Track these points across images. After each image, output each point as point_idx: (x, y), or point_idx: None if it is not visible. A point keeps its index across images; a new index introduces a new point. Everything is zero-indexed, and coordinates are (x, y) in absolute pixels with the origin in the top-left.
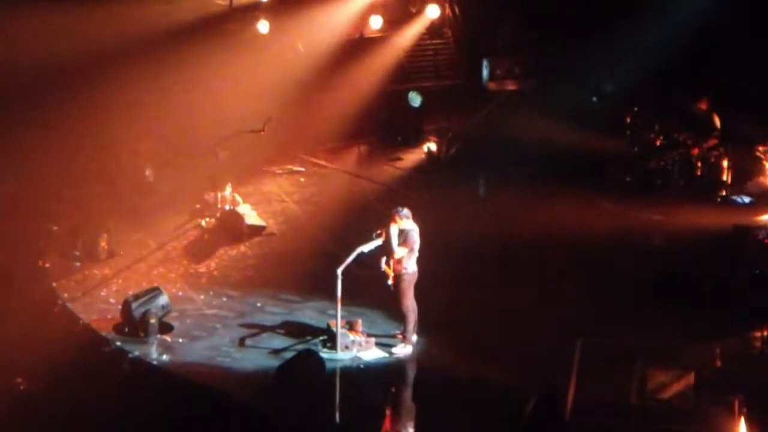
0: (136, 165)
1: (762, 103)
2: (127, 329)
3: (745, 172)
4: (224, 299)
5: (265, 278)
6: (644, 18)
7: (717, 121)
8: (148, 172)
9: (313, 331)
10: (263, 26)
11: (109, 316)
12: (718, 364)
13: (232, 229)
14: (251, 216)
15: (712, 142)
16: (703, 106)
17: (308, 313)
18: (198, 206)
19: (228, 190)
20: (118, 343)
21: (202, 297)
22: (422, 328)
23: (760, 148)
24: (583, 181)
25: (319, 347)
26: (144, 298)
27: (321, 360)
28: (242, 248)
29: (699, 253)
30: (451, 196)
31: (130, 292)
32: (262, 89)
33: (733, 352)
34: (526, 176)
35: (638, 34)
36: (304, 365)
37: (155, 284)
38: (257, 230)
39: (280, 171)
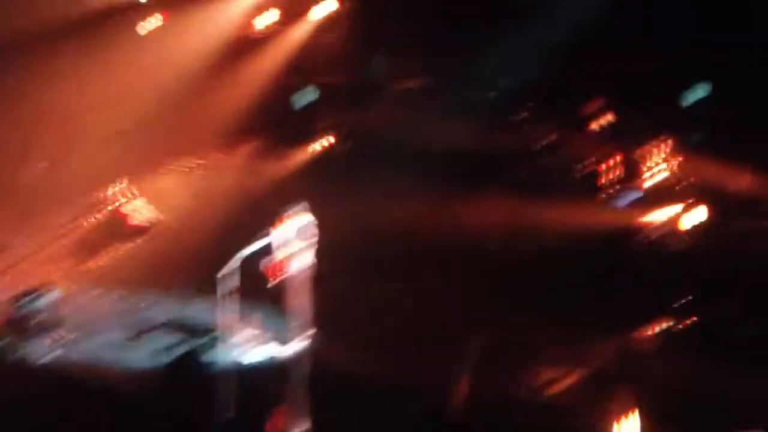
0: (26, 158)
1: (652, 103)
2: (13, 328)
3: (633, 171)
4: (114, 297)
5: (156, 275)
6: (540, 15)
7: (607, 120)
8: (39, 165)
9: (204, 329)
10: (151, 23)
11: None
12: (609, 360)
13: (125, 225)
14: (142, 212)
15: (602, 140)
16: (599, 105)
17: (199, 309)
18: (88, 202)
19: (121, 186)
20: (3, 343)
21: (92, 294)
22: (315, 326)
23: (648, 147)
24: (477, 178)
25: (210, 345)
26: (32, 296)
27: (212, 357)
28: (132, 245)
29: (590, 250)
30: (345, 193)
31: (17, 290)
32: (152, 86)
33: (624, 349)
34: (421, 173)
35: (534, 30)
36: (196, 362)
37: (44, 281)
38: (149, 226)
39: (172, 167)
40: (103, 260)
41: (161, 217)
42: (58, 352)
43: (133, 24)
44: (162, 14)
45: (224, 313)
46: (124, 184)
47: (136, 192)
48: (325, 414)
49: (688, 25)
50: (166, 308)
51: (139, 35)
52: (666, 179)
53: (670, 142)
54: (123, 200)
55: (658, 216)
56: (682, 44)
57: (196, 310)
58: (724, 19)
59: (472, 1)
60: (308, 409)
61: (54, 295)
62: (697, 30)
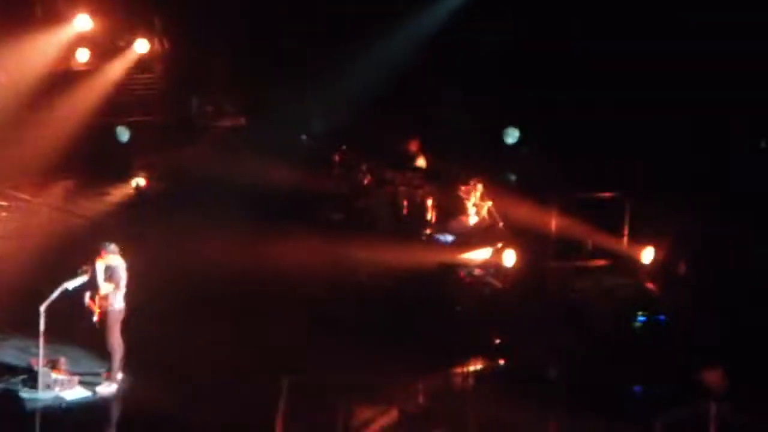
0: None
1: (464, 145)
2: None
3: (448, 212)
4: None
5: None
6: (353, 58)
7: (423, 161)
8: None
9: (14, 370)
10: None
11: None
12: (421, 399)
13: None
14: None
15: (417, 181)
16: (413, 146)
17: (9, 352)
18: None
19: None
20: None
21: None
22: (128, 366)
23: (462, 188)
24: (293, 220)
25: (20, 387)
26: None
27: (21, 400)
28: None
29: (404, 289)
30: (159, 233)
31: None
32: None
33: (435, 388)
34: (237, 214)
35: (347, 73)
36: (3, 405)
37: None
38: None
39: None
40: None
41: None
42: None
43: None
44: None
45: (37, 352)
46: None
47: None
48: None
49: (500, 70)
50: None
51: None
52: (479, 221)
53: (482, 184)
54: None
55: (472, 256)
56: (496, 90)
57: (5, 353)
58: (536, 63)
59: (287, 44)
60: None
61: None
62: (510, 73)
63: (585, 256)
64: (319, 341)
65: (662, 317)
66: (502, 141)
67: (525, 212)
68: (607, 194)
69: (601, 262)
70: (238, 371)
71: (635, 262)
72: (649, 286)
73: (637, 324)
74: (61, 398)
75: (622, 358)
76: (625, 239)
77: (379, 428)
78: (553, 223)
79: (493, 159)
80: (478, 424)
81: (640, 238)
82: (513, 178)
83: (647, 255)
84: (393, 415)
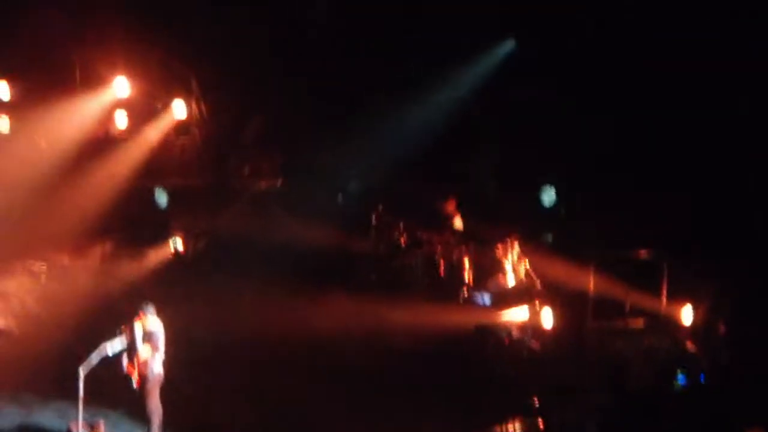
0: None
1: (499, 205)
2: None
3: (485, 271)
4: None
5: (2, 379)
6: (389, 118)
7: (460, 221)
8: None
9: None
10: (3, 123)
11: None
12: None
13: None
14: None
15: (454, 241)
16: (450, 206)
17: (48, 415)
18: None
19: None
20: None
21: None
22: (167, 429)
23: (499, 248)
24: (329, 281)
25: None
26: None
27: None
28: None
29: (442, 351)
30: (198, 294)
31: None
32: (2, 186)
33: None
34: (274, 275)
35: (384, 133)
36: None
37: None
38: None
39: (20, 269)
40: None
41: (9, 319)
42: None
43: None
44: (14, 115)
45: (76, 415)
46: None
47: None
48: None
49: (536, 129)
50: (13, 414)
51: None
52: (516, 281)
53: (519, 244)
54: None
55: (509, 318)
56: (532, 149)
57: (44, 416)
58: (570, 124)
59: (324, 105)
60: None
61: None
62: (545, 133)
63: (623, 316)
64: (357, 404)
65: (702, 377)
66: (539, 200)
67: (562, 271)
68: (645, 253)
69: (639, 322)
70: None
71: (674, 322)
72: (689, 345)
73: (678, 384)
74: None
75: (662, 418)
76: (664, 298)
77: None
78: (591, 282)
79: (529, 218)
80: None
81: (678, 297)
82: (550, 237)
83: (686, 314)
84: None
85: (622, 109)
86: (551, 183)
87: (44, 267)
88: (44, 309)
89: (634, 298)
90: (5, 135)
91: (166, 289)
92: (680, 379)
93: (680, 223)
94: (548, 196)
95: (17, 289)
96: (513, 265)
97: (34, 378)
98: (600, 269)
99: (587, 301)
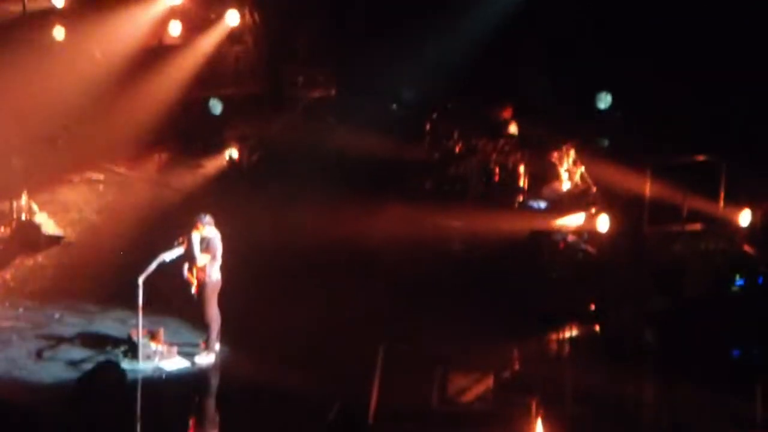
0: None
1: (555, 110)
2: None
3: (541, 178)
4: (21, 310)
5: (63, 289)
6: (445, 25)
7: (515, 128)
8: None
9: (114, 342)
10: (58, 33)
11: None
12: (516, 366)
13: (29, 239)
14: (48, 225)
15: (510, 148)
16: (506, 114)
17: (108, 324)
18: None
19: (24, 199)
20: None
21: None
22: (225, 337)
23: (555, 154)
24: (384, 189)
25: (120, 358)
26: None
27: (122, 371)
28: (39, 258)
29: (497, 257)
30: (253, 203)
31: None
32: (58, 97)
33: (531, 355)
34: (329, 184)
35: (439, 41)
36: (105, 376)
37: None
38: (54, 240)
39: (78, 179)
40: (10, 273)
41: (69, 229)
42: None
43: (38, 34)
44: (69, 24)
45: (136, 324)
46: (25, 198)
47: (36, 207)
48: (239, 425)
49: (592, 34)
50: (75, 321)
51: (44, 46)
52: (572, 187)
53: (575, 149)
54: (27, 215)
55: (565, 223)
56: (588, 54)
57: (104, 324)
58: (626, 29)
59: (378, 14)
60: (219, 421)
61: None
62: (600, 39)
63: (680, 220)
64: (412, 310)
65: (761, 279)
66: (595, 106)
67: (618, 177)
68: (702, 157)
69: (696, 226)
70: (332, 340)
71: (732, 225)
72: (747, 248)
73: (735, 287)
74: (161, 369)
75: (719, 321)
76: (721, 202)
77: (476, 395)
78: (647, 187)
79: (585, 124)
80: (574, 391)
81: (736, 201)
82: (606, 142)
83: (744, 217)
84: (489, 381)
85: (678, 9)
86: (607, 87)
87: (101, 177)
88: (103, 219)
89: (691, 203)
90: (60, 44)
91: (222, 198)
92: (738, 282)
93: (738, 125)
94: (604, 101)
95: (76, 200)
96: (568, 171)
97: (94, 287)
98: (657, 174)
99: (644, 206)
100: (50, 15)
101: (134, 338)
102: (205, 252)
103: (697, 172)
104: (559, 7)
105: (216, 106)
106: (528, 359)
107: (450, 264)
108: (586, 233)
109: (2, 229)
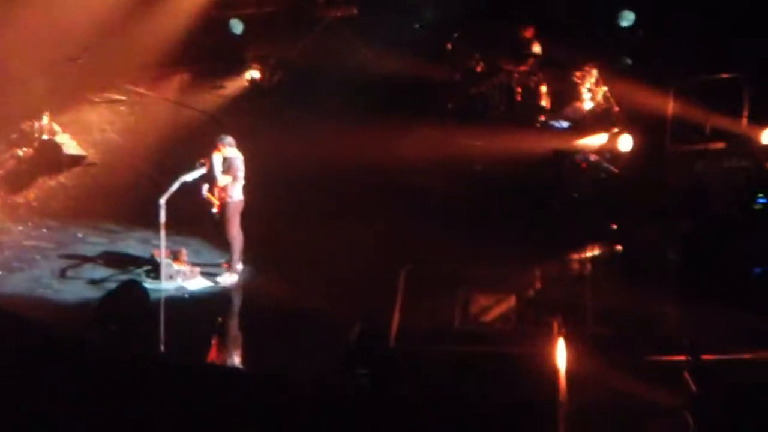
0: None
1: (578, 30)
2: None
3: (563, 98)
4: (44, 230)
5: (85, 209)
6: None
7: (538, 48)
8: None
9: (137, 262)
10: None
11: None
12: (538, 286)
13: (51, 159)
14: (70, 146)
15: (532, 68)
16: (528, 33)
17: (131, 244)
18: (14, 136)
19: (45, 119)
20: None
21: (20, 228)
22: (248, 257)
23: (577, 74)
24: (405, 108)
25: (143, 277)
26: None
27: (144, 290)
28: (62, 178)
29: (519, 177)
30: (275, 124)
31: None
32: (79, 16)
33: (552, 275)
34: (350, 104)
35: None
36: (128, 296)
37: None
38: (77, 160)
39: (100, 100)
40: (33, 193)
41: (91, 150)
42: None
43: None
44: None
45: (158, 244)
46: (46, 118)
47: (57, 127)
48: (260, 345)
49: None
50: (98, 241)
51: None
52: (594, 107)
53: (597, 69)
54: (49, 135)
55: (587, 143)
56: None
57: (127, 244)
58: None
59: None
60: (242, 341)
61: None
62: None
63: (703, 139)
64: (434, 231)
65: None
66: (617, 24)
67: (641, 96)
68: (725, 75)
69: (719, 145)
70: (355, 261)
71: (755, 143)
72: None
73: (757, 205)
74: (184, 288)
75: (741, 239)
76: (744, 121)
77: (498, 315)
78: (670, 106)
79: (607, 43)
80: (596, 310)
81: (760, 120)
82: (628, 61)
83: (767, 136)
84: (511, 301)
85: None
86: (629, 6)
87: (122, 98)
88: (124, 139)
89: (714, 121)
90: None
91: (244, 119)
92: (761, 200)
93: (761, 43)
94: (626, 19)
95: (98, 120)
96: (591, 91)
97: (116, 207)
98: (680, 92)
99: (666, 125)
100: None
101: (157, 258)
102: (227, 173)
103: (720, 90)
104: None
105: (237, 26)
106: (550, 279)
107: (471, 183)
108: (609, 153)
109: (25, 149)
